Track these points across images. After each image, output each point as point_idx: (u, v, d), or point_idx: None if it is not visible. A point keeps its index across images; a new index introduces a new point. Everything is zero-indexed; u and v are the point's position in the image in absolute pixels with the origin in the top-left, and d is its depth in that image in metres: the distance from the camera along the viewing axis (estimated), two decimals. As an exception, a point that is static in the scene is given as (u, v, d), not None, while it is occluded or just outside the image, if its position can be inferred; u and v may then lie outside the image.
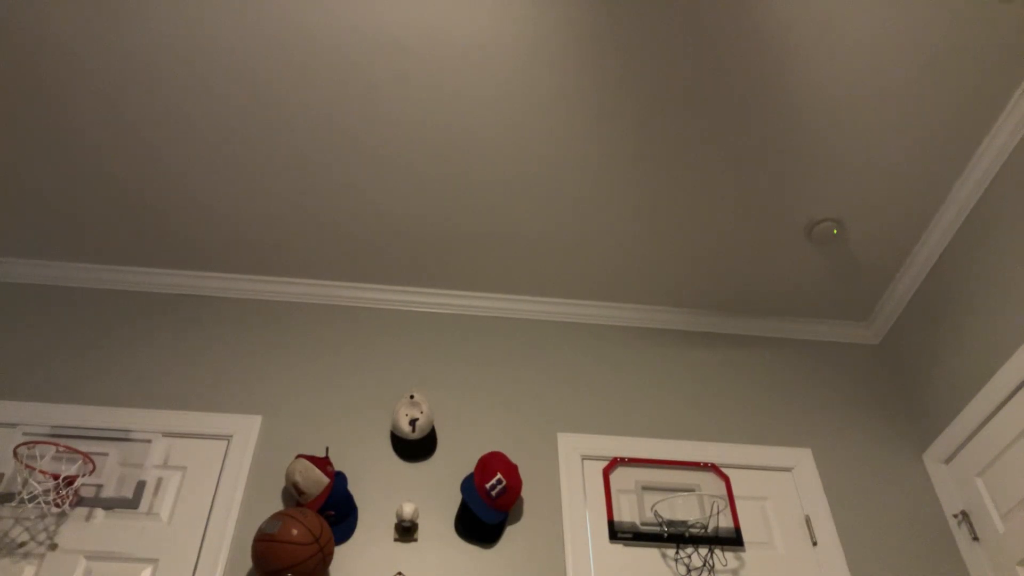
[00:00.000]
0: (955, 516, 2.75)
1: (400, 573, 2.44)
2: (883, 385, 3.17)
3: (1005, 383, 2.55)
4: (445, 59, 2.45)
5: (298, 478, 2.46)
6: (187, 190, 2.81)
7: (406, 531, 2.52)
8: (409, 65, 2.46)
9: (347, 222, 2.92)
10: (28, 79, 2.49)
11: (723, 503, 2.73)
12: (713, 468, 2.81)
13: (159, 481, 2.58)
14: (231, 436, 2.69)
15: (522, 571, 2.49)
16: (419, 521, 2.56)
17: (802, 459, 2.88)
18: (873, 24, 2.37)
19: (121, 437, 2.65)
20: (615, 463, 2.78)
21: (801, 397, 3.09)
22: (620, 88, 2.52)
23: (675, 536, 2.62)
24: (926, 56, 2.44)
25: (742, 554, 2.62)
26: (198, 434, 2.69)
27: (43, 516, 2.47)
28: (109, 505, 2.50)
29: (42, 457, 2.55)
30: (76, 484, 2.44)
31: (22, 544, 2.41)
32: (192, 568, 2.41)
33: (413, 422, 2.68)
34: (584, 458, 2.79)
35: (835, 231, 2.92)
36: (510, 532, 2.58)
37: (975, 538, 2.67)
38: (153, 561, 2.42)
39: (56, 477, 2.43)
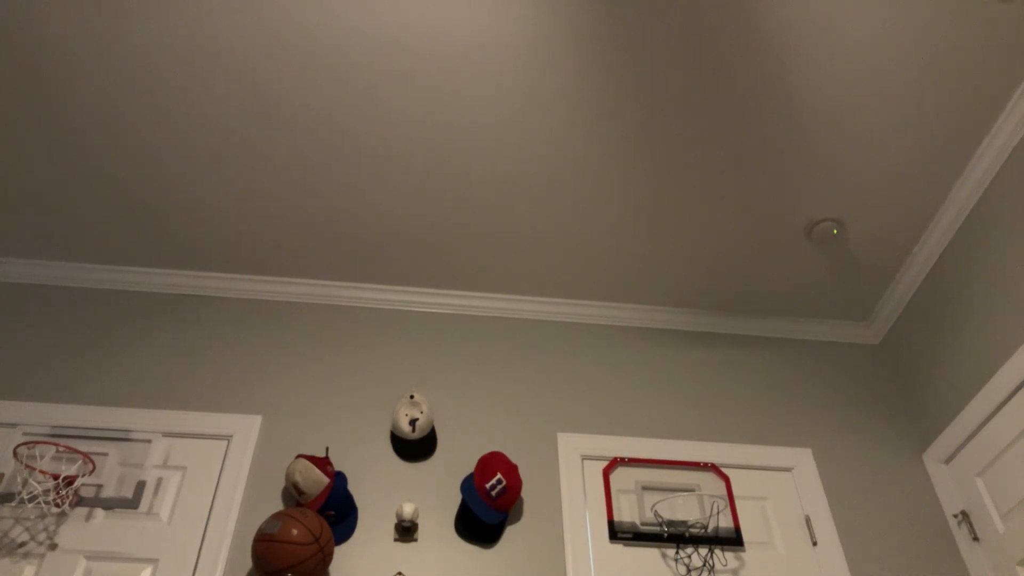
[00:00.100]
0: (955, 516, 2.75)
1: (400, 573, 2.44)
2: (883, 385, 3.17)
3: (1005, 383, 2.55)
4: (445, 59, 2.45)
5: (298, 478, 2.46)
6: (187, 190, 2.81)
7: (406, 531, 2.52)
8: (409, 65, 2.46)
9: (347, 222, 2.92)
10: (28, 79, 2.49)
11: (723, 503, 2.73)
12: (713, 468, 2.81)
13: (159, 481, 2.58)
14: (231, 436, 2.69)
15: (522, 571, 2.49)
16: (419, 521, 2.56)
17: (802, 459, 2.88)
18: (873, 24, 2.37)
19: (121, 437, 2.65)
20: (615, 463, 2.78)
21: (801, 397, 3.09)
22: (620, 88, 2.52)
23: (675, 536, 2.62)
24: (926, 56, 2.44)
25: (742, 554, 2.62)
26: (198, 434, 2.69)
27: (43, 516, 2.47)
28: (109, 505, 2.50)
29: (42, 457, 2.55)
30: (76, 484, 2.44)
31: (22, 544, 2.41)
32: (192, 568, 2.41)
33: (413, 422, 2.68)
34: (584, 458, 2.79)
35: (835, 231, 2.92)
36: (510, 532, 2.58)
37: (975, 538, 2.67)
38: (153, 561, 2.42)
39: (56, 477, 2.43)
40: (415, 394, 2.74)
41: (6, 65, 2.45)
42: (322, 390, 2.86)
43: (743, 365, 3.16)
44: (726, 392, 3.06)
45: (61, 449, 2.54)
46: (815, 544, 2.67)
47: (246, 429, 2.71)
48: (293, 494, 2.52)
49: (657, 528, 2.65)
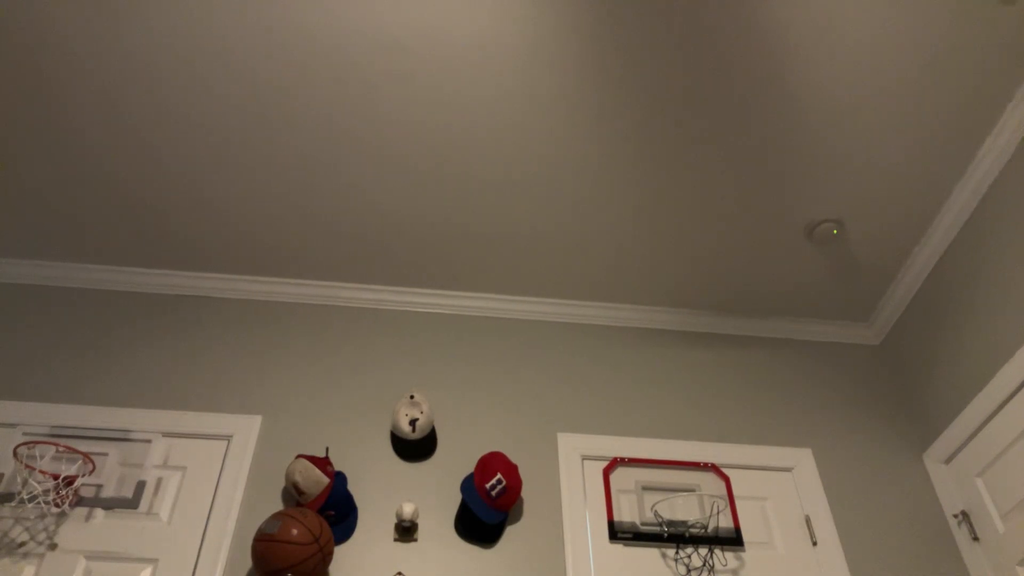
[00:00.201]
0: (955, 516, 2.75)
1: (400, 573, 2.44)
2: (883, 385, 3.17)
3: (1006, 383, 2.55)
4: (445, 59, 2.44)
5: (298, 478, 2.46)
6: (187, 190, 2.81)
7: (406, 531, 2.52)
8: (409, 65, 2.46)
9: (347, 222, 2.92)
10: (28, 79, 2.49)
11: (723, 503, 2.73)
12: (713, 468, 2.81)
13: (159, 481, 2.58)
14: (231, 436, 2.69)
15: (522, 571, 2.49)
16: (419, 521, 2.56)
17: (802, 459, 2.88)
18: (873, 24, 2.37)
19: (121, 437, 2.65)
20: (615, 463, 2.78)
21: (801, 397, 3.09)
22: (620, 88, 2.52)
23: (675, 536, 2.62)
24: (926, 56, 2.44)
25: (742, 554, 2.62)
26: (198, 434, 2.69)
27: (43, 516, 2.47)
28: (109, 505, 2.50)
29: (42, 457, 2.55)
30: (76, 484, 2.44)
31: (22, 544, 2.41)
32: (192, 568, 2.41)
33: (413, 422, 2.68)
34: (584, 458, 2.79)
35: (835, 231, 2.92)
36: (510, 532, 2.58)
37: (975, 538, 2.67)
38: (153, 561, 2.42)
39: (56, 477, 2.43)
40: (415, 394, 2.74)
41: (6, 65, 2.45)
42: (322, 390, 2.86)
43: (743, 365, 3.16)
44: (726, 392, 3.06)
45: (61, 449, 2.54)
46: (815, 544, 2.67)
47: (246, 429, 2.71)
48: (293, 494, 2.52)
49: (657, 528, 2.65)
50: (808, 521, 2.72)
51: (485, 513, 2.50)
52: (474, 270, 3.11)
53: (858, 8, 2.33)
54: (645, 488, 2.75)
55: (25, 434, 2.62)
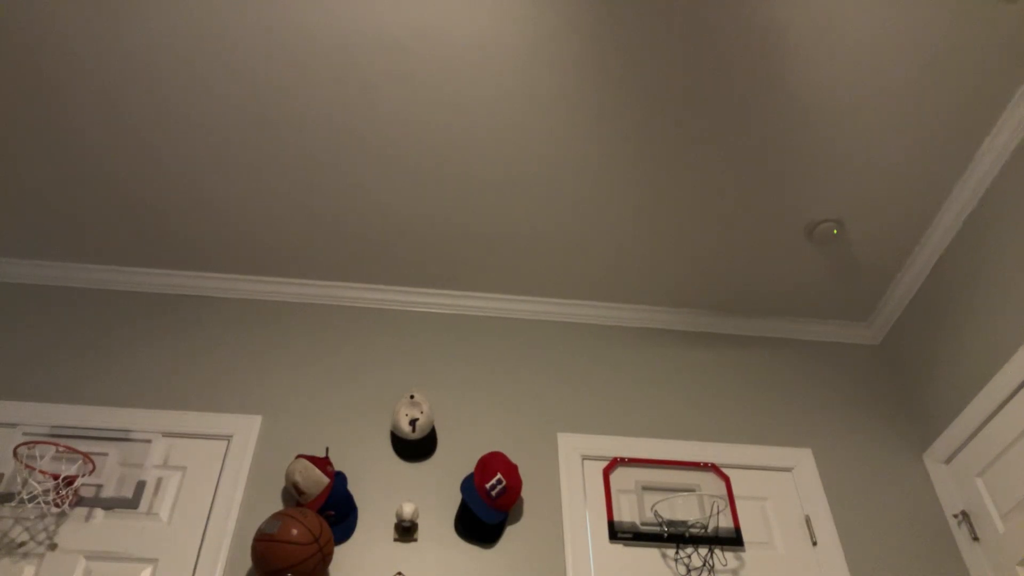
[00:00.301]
0: (955, 516, 2.75)
1: (400, 573, 2.44)
2: (883, 385, 3.17)
3: (1006, 383, 2.55)
4: (445, 59, 2.44)
5: (298, 478, 2.46)
6: (187, 190, 2.81)
7: (406, 531, 2.52)
8: (409, 65, 2.46)
9: (347, 222, 2.92)
10: (28, 79, 2.49)
11: (723, 503, 2.73)
12: (713, 468, 2.81)
13: (159, 481, 2.58)
14: (231, 436, 2.69)
15: (522, 571, 2.49)
16: (419, 521, 2.56)
17: (802, 459, 2.88)
18: (873, 24, 2.37)
19: (121, 437, 2.65)
20: (615, 463, 2.78)
21: (801, 397, 3.09)
22: (620, 88, 2.52)
23: (675, 536, 2.62)
24: (926, 56, 2.44)
25: (742, 554, 2.62)
26: (198, 434, 2.69)
27: (43, 516, 2.47)
28: (109, 505, 2.50)
29: (42, 457, 2.55)
30: (76, 484, 2.44)
31: (22, 544, 2.41)
32: (192, 568, 2.41)
33: (413, 422, 2.68)
34: (584, 458, 2.79)
35: (835, 231, 2.92)
36: (510, 532, 2.58)
37: (975, 538, 2.67)
38: (153, 561, 2.42)
39: (56, 477, 2.43)
40: (415, 394, 2.74)
41: (6, 65, 2.45)
42: (322, 390, 2.86)
43: (743, 365, 3.16)
44: (726, 392, 3.06)
45: (61, 449, 2.54)
46: (815, 544, 2.67)
47: (246, 429, 2.71)
48: (293, 494, 2.52)
49: (657, 528, 2.65)
50: (808, 521, 2.72)
51: (485, 513, 2.50)
52: (474, 270, 3.11)
53: (858, 8, 2.33)
54: (645, 488, 2.75)
55: (25, 434, 2.62)
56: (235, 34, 2.38)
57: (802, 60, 2.44)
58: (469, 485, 2.57)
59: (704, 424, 2.95)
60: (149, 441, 2.65)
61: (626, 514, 2.67)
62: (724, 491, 2.76)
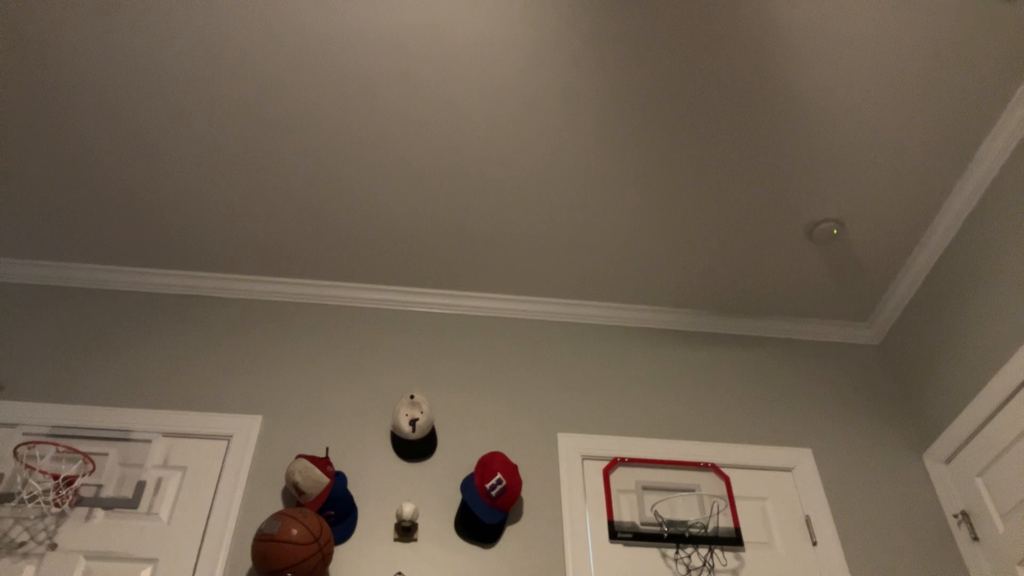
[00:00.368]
0: (955, 516, 2.75)
1: (400, 573, 2.44)
2: (883, 385, 3.17)
3: (1005, 383, 2.55)
4: (445, 59, 2.45)
5: (298, 478, 2.46)
6: (187, 190, 2.81)
7: (406, 531, 2.52)
8: (409, 65, 2.46)
9: (347, 222, 2.92)
10: (28, 79, 2.49)
11: (723, 503, 2.73)
12: (713, 468, 2.81)
13: (159, 481, 2.58)
14: (231, 436, 2.69)
15: (522, 571, 2.49)
16: (419, 521, 2.56)
17: (802, 459, 2.88)
18: (873, 25, 2.37)
19: (121, 437, 2.65)
20: (615, 463, 2.78)
21: (801, 397, 3.09)
22: (620, 88, 2.52)
23: (675, 536, 2.62)
24: (926, 56, 2.44)
25: (742, 554, 2.62)
26: (198, 434, 2.69)
27: (43, 516, 2.47)
28: (109, 505, 2.50)
29: (42, 457, 2.55)
30: (76, 484, 2.44)
31: (22, 544, 2.41)
32: (192, 568, 2.41)
33: (413, 422, 2.68)
34: (584, 458, 2.79)
35: (835, 231, 2.92)
36: (510, 532, 2.58)
37: (975, 538, 2.67)
38: (153, 561, 2.42)
39: (56, 477, 2.43)
40: (415, 394, 2.74)
41: (6, 65, 2.45)
42: (322, 390, 2.86)
43: (743, 365, 3.16)
44: (726, 392, 3.06)
45: (61, 449, 2.54)
46: (815, 544, 2.67)
47: (246, 429, 2.71)
48: (293, 494, 2.52)
49: (657, 528, 2.65)
50: (808, 521, 2.72)
51: (485, 513, 2.50)
52: (474, 270, 3.11)
53: (859, 8, 2.33)
54: (645, 488, 2.75)
55: (25, 434, 2.62)
56: (235, 34, 2.38)
57: (802, 60, 2.44)
58: (469, 485, 2.57)
59: (704, 424, 2.95)
60: (149, 441, 2.65)
61: (626, 514, 2.67)
62: (724, 491, 2.76)
